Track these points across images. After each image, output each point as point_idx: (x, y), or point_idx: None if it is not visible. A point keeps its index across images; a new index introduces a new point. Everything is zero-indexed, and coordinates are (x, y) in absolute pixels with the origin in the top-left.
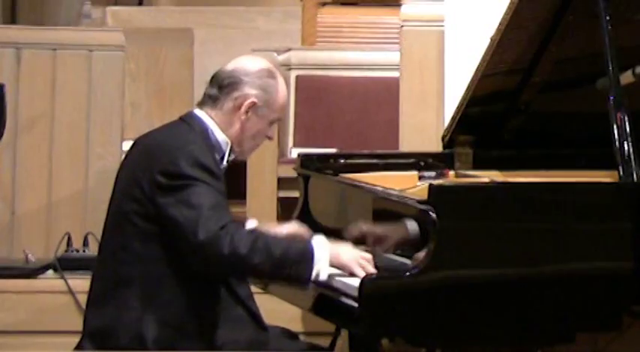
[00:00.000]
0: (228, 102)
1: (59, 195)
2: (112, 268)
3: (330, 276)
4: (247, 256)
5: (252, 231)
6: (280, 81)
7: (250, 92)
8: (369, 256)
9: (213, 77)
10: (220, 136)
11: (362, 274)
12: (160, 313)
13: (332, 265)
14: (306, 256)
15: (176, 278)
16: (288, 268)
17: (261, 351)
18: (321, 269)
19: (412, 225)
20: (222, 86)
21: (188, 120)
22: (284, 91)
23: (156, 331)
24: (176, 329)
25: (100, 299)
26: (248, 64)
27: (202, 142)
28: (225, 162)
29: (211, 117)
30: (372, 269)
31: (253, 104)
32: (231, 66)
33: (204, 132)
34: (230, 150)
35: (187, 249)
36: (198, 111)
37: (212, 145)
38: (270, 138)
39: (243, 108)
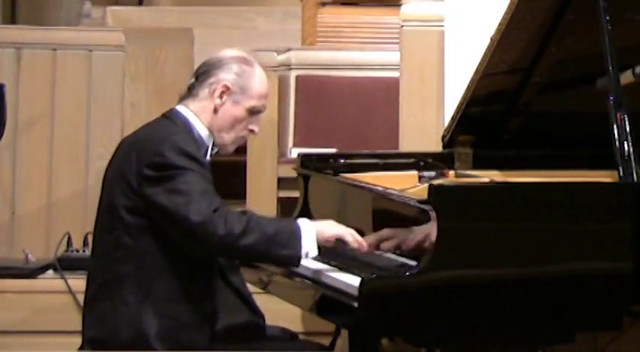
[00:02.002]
0: (203, 89)
1: (59, 195)
2: (105, 266)
3: (330, 275)
4: (241, 236)
5: (244, 212)
6: (257, 69)
7: (224, 77)
8: (353, 231)
9: (194, 71)
10: (202, 131)
11: (351, 240)
12: (158, 306)
13: (320, 243)
14: (295, 236)
15: (170, 270)
16: (281, 248)
17: (257, 335)
18: (310, 247)
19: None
20: (198, 75)
21: (170, 117)
22: (262, 79)
23: (156, 324)
24: (175, 320)
25: (97, 297)
26: (224, 52)
27: (185, 134)
28: (208, 157)
29: (191, 110)
30: (359, 237)
31: (227, 88)
32: (209, 57)
33: (186, 127)
34: (213, 144)
35: (180, 234)
36: (179, 107)
37: (195, 139)
38: (252, 131)
39: (216, 93)
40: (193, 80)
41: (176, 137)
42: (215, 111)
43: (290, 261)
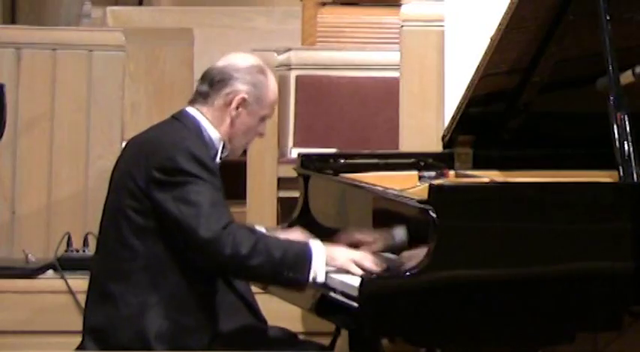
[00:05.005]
0: (219, 98)
1: (59, 195)
2: (110, 265)
3: (330, 276)
4: (248, 257)
5: (254, 232)
6: (270, 77)
7: (241, 88)
8: (364, 254)
9: (204, 74)
10: (213, 134)
11: (359, 272)
12: (161, 307)
13: (328, 268)
14: (305, 259)
15: (175, 272)
16: (287, 271)
17: (258, 339)
18: (318, 272)
19: (399, 232)
20: (213, 83)
21: (181, 119)
22: (274, 88)
23: (157, 325)
24: (177, 322)
25: (99, 297)
26: (238, 60)
27: (196, 139)
28: (218, 159)
29: (203, 115)
30: (368, 264)
31: (244, 100)
32: (221, 63)
33: (197, 129)
34: (223, 147)
35: (188, 246)
36: (190, 109)
37: (205, 142)
38: (261, 134)
39: (233, 104)
40: (206, 87)
41: (188, 142)
42: (231, 121)
43: (295, 284)
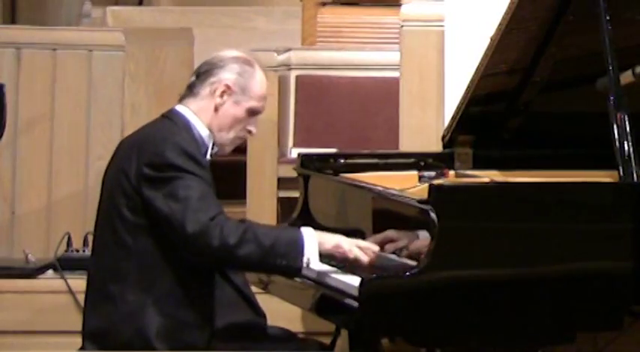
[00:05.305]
0: (204, 88)
1: (59, 195)
2: (107, 264)
3: (330, 275)
4: (236, 247)
5: (242, 222)
6: (258, 70)
7: (225, 76)
8: (354, 243)
9: (193, 71)
10: (203, 131)
11: (351, 256)
12: (159, 304)
13: (319, 253)
14: (296, 245)
15: (171, 269)
16: (279, 258)
17: (257, 335)
18: (311, 257)
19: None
20: (199, 74)
21: (170, 117)
22: (262, 80)
23: (156, 323)
24: (176, 318)
25: (98, 297)
26: (225, 52)
27: (186, 135)
28: (208, 157)
29: (191, 110)
30: (357, 253)
31: (228, 87)
32: (210, 56)
33: (186, 126)
34: (213, 144)
35: (177, 241)
36: (179, 107)
37: (195, 140)
38: (250, 132)
39: (217, 92)
40: (194, 79)
41: (177, 137)
42: (215, 110)
43: (288, 271)
